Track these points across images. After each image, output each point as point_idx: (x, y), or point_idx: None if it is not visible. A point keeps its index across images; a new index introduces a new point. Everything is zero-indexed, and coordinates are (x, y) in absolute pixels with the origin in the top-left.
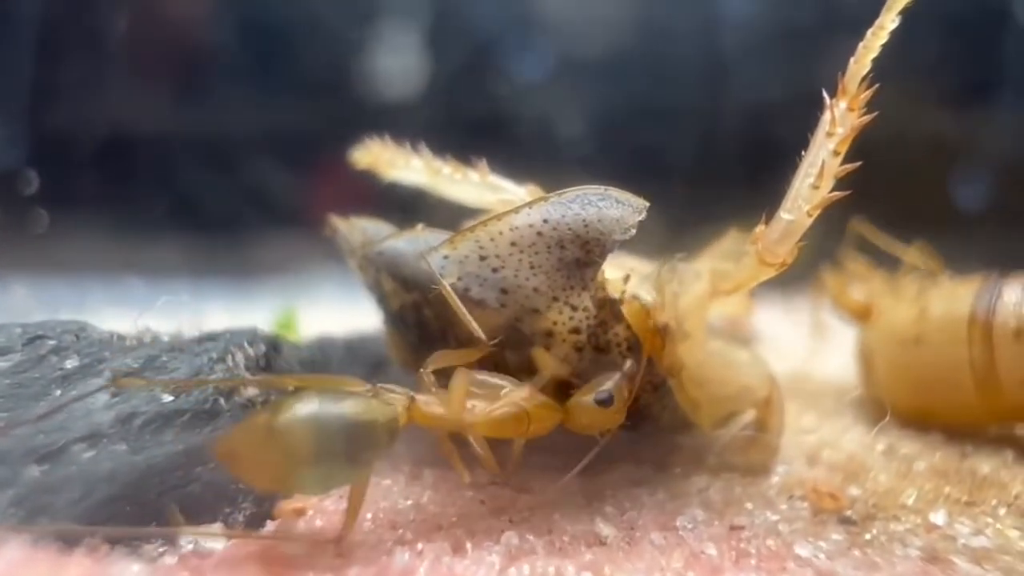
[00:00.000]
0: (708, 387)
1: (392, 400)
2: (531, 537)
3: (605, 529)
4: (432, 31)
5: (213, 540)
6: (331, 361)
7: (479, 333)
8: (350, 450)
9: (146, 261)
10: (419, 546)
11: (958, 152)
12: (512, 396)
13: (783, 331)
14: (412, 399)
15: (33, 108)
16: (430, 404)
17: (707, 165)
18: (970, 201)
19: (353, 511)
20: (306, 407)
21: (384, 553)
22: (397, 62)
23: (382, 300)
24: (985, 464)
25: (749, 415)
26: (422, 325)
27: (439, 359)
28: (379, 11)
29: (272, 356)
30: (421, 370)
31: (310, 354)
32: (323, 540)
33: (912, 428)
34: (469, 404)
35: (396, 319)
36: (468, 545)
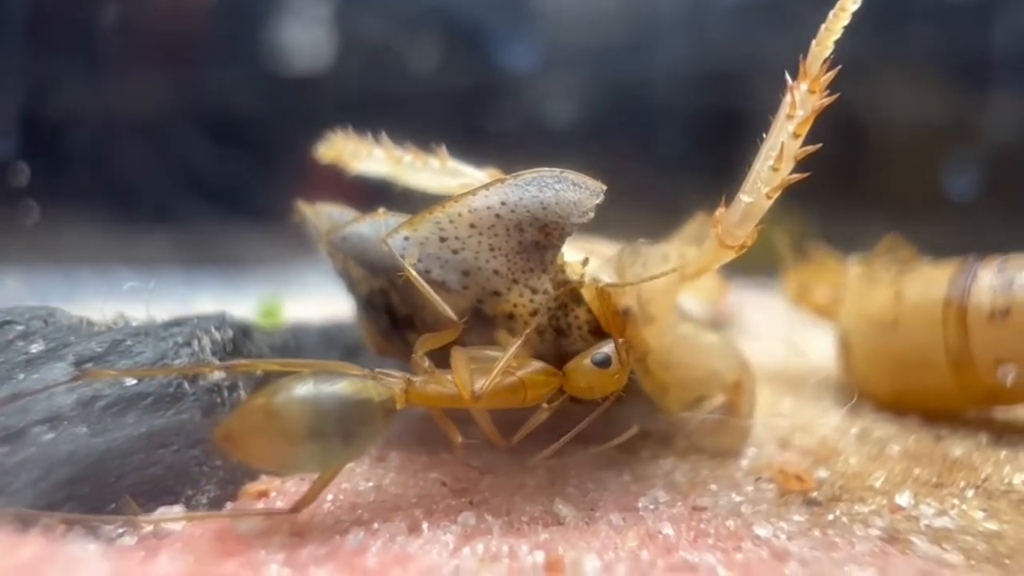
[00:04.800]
0: (676, 371)
1: (390, 383)
2: (489, 517)
3: (564, 510)
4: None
5: (174, 523)
6: (305, 347)
7: (447, 311)
8: (346, 428)
9: (137, 252)
10: (375, 526)
11: (955, 138)
12: (510, 366)
13: (769, 316)
14: (409, 381)
15: (23, 99)
16: (427, 384)
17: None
18: (966, 187)
19: (321, 483)
20: (303, 387)
21: (338, 533)
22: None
23: (352, 286)
24: (958, 447)
25: (719, 399)
26: (391, 310)
27: (425, 343)
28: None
29: (241, 341)
30: (415, 355)
31: (282, 340)
32: (280, 511)
33: (888, 412)
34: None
35: (366, 305)
36: (424, 525)
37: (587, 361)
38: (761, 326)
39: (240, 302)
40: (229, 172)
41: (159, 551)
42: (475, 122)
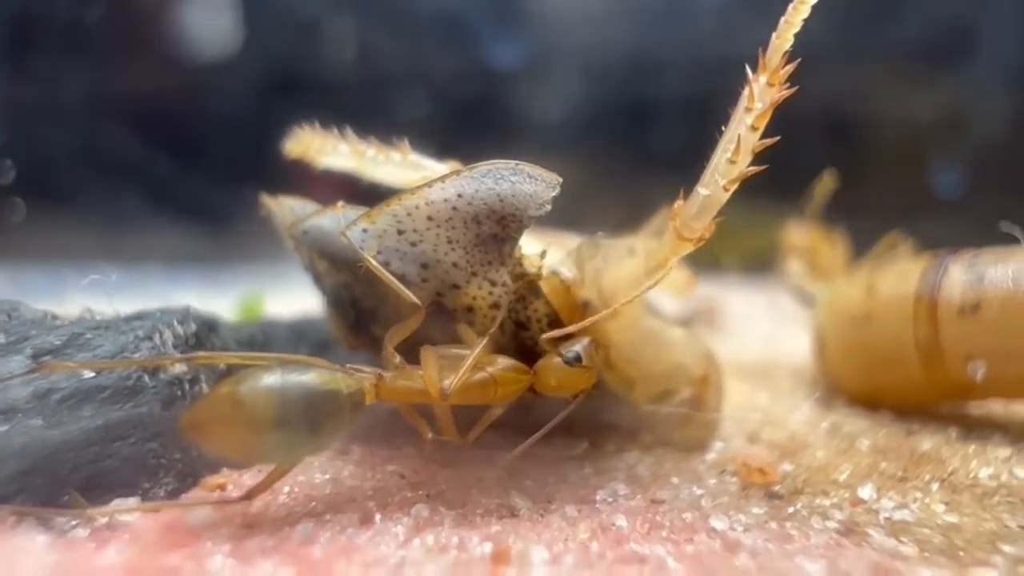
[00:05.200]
0: (641, 365)
1: (360, 378)
2: (443, 509)
3: (520, 502)
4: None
5: (128, 514)
6: (274, 342)
7: (408, 295)
8: (312, 419)
9: (123, 250)
10: (327, 517)
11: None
12: (482, 363)
13: (751, 311)
14: (380, 376)
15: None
16: (397, 379)
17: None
18: (956, 184)
19: (278, 472)
20: (270, 376)
21: (288, 524)
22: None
23: (318, 280)
24: (928, 441)
25: (686, 392)
26: (355, 304)
27: (393, 337)
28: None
29: (205, 336)
30: (384, 349)
31: (249, 335)
32: (232, 499)
33: (861, 406)
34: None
35: (332, 299)
36: (377, 517)
37: (557, 359)
38: (742, 321)
39: (224, 298)
40: (215, 168)
41: (109, 543)
42: (467, 117)
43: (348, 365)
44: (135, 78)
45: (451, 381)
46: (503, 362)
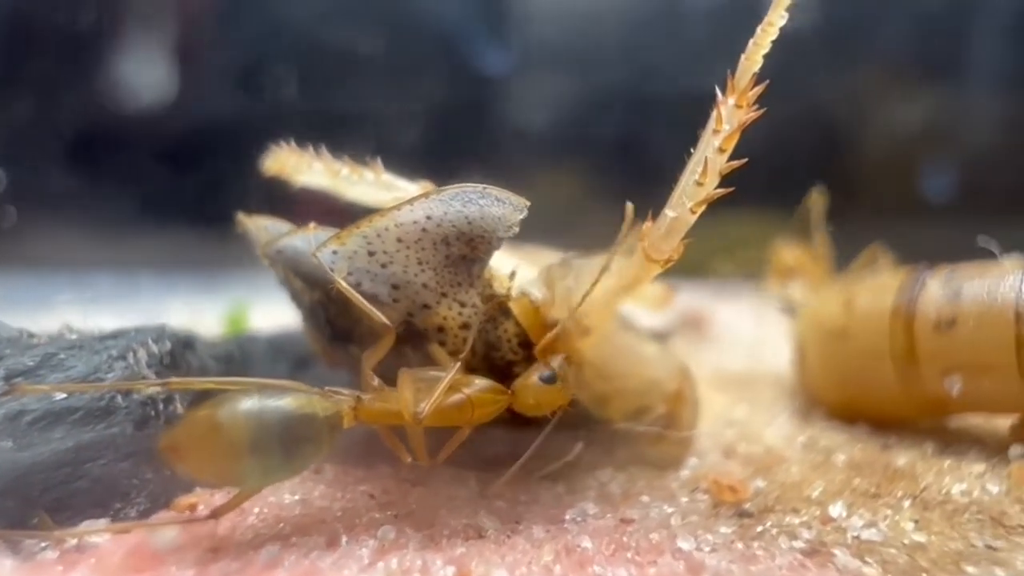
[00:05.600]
0: (615, 381)
1: (338, 400)
2: (410, 531)
3: (488, 523)
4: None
5: (98, 535)
6: (252, 358)
7: (379, 316)
8: (288, 444)
9: (115, 257)
10: (293, 540)
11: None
12: (459, 384)
13: (736, 324)
14: (359, 399)
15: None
16: (375, 402)
17: None
18: (943, 191)
19: (245, 494)
20: (248, 400)
21: (254, 547)
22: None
23: (295, 296)
24: (903, 456)
25: (660, 409)
26: (331, 323)
27: (369, 359)
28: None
29: (180, 354)
30: (363, 373)
31: (226, 351)
32: (198, 517)
33: (840, 420)
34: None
35: (309, 315)
36: (344, 539)
37: (535, 379)
38: (729, 331)
39: (216, 305)
40: (208, 177)
41: (76, 565)
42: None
43: (327, 388)
44: (132, 83)
45: (425, 404)
46: (480, 383)
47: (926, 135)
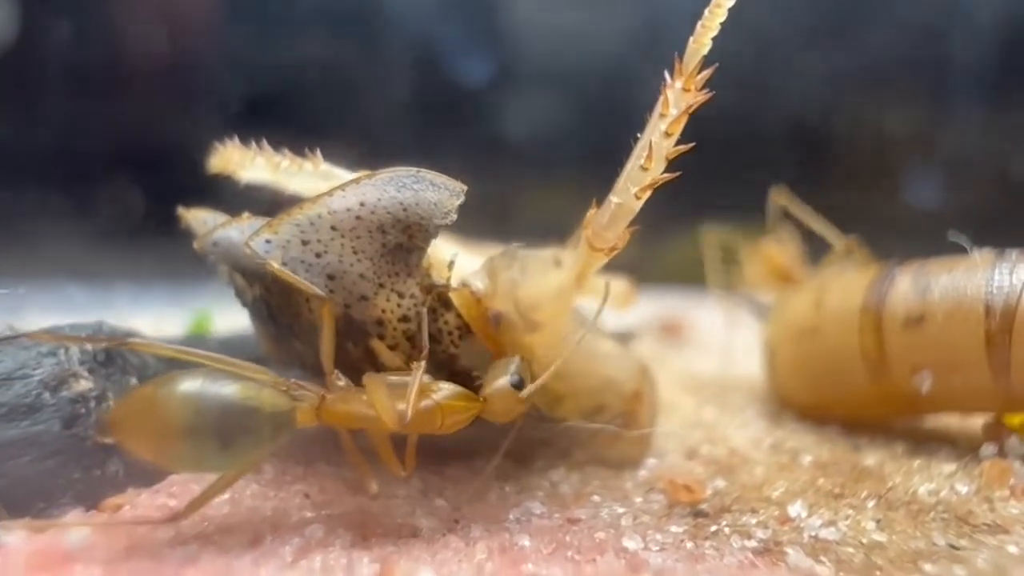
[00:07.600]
0: (571, 379)
1: (301, 396)
2: (340, 530)
3: (425, 522)
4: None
5: (10, 533)
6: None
7: (313, 289)
8: (225, 434)
9: (86, 267)
10: (213, 538)
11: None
12: (426, 390)
13: (712, 326)
14: (323, 398)
15: None
16: (340, 402)
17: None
18: (931, 198)
19: (208, 494)
20: (191, 382)
21: (171, 546)
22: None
23: (239, 294)
24: (872, 456)
25: (617, 408)
26: (274, 319)
27: (326, 354)
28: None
29: (116, 351)
30: (327, 374)
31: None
32: (160, 517)
33: (811, 421)
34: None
35: (254, 313)
36: (268, 539)
37: (505, 383)
38: (706, 335)
39: (179, 318)
40: (178, 184)
41: None
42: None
43: (293, 380)
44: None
45: (407, 407)
46: (448, 389)
47: (908, 138)
